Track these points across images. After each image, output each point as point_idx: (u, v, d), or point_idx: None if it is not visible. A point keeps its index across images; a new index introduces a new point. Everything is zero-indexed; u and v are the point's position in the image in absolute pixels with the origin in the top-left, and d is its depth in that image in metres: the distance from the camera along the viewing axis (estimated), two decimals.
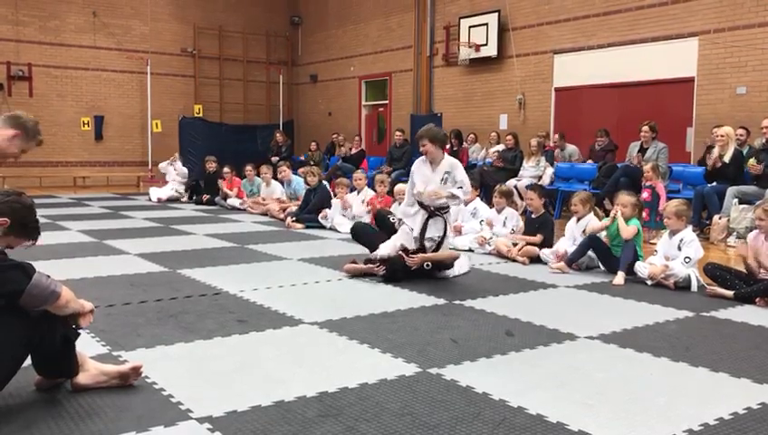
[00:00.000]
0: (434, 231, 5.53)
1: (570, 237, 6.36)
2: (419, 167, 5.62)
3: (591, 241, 5.97)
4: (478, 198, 7.85)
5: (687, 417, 2.77)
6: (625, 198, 5.97)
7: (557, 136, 11.86)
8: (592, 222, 6.23)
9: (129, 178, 17.20)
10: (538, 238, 6.53)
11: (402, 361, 3.43)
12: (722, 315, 4.52)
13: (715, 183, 8.57)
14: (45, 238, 7.63)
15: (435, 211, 5.53)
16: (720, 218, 8.02)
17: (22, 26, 16.24)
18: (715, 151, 8.72)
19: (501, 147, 12.31)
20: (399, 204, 8.07)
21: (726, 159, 8.53)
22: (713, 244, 7.81)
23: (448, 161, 5.57)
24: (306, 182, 9.62)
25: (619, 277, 5.54)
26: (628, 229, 5.76)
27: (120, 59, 17.39)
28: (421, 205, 5.53)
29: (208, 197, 12.10)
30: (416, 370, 3.30)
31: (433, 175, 5.51)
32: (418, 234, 5.52)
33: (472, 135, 13.60)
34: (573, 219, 6.45)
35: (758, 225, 5.15)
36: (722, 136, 8.63)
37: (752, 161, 8.18)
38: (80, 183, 16.70)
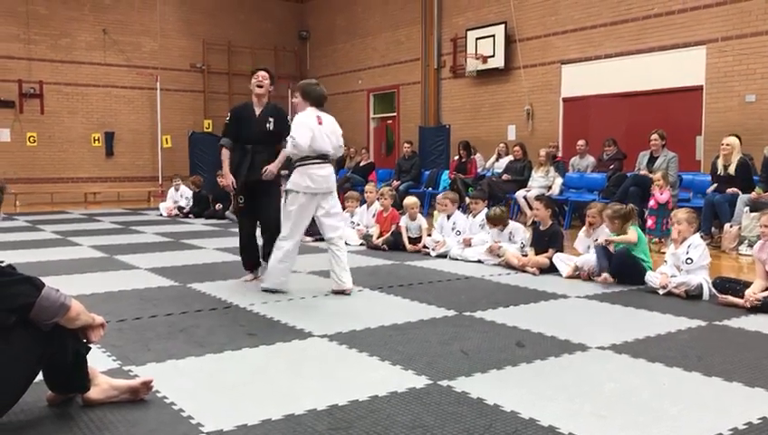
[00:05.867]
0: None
1: (584, 250, 6.35)
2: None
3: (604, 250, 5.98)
4: (486, 209, 7.82)
5: (701, 428, 2.74)
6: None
7: (582, 142, 11.70)
8: (604, 234, 6.22)
9: (140, 193, 17.31)
10: (550, 253, 6.50)
11: (412, 373, 3.42)
12: (735, 324, 4.48)
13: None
14: (57, 254, 7.72)
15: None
16: (731, 227, 7.97)
17: (33, 45, 16.42)
18: (720, 162, 8.68)
19: (509, 158, 12.30)
20: (409, 217, 8.10)
21: (732, 169, 8.49)
22: (724, 252, 7.76)
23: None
24: None
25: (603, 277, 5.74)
26: (625, 238, 5.85)
27: (130, 75, 17.54)
28: None
29: (222, 206, 12.15)
30: (426, 382, 3.28)
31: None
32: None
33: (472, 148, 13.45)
34: (584, 230, 6.42)
35: (763, 232, 5.11)
36: (727, 145, 8.60)
37: (758, 190, 8.09)
38: (91, 199, 16.82)
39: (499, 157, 13.04)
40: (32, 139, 16.30)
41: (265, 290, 5.48)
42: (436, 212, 8.64)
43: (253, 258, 6.09)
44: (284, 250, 5.44)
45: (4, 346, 2.60)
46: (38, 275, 2.69)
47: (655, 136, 9.35)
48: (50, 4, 16.53)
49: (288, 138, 5.40)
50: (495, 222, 7.10)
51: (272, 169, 5.82)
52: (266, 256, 5.95)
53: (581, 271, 6.09)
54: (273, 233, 5.82)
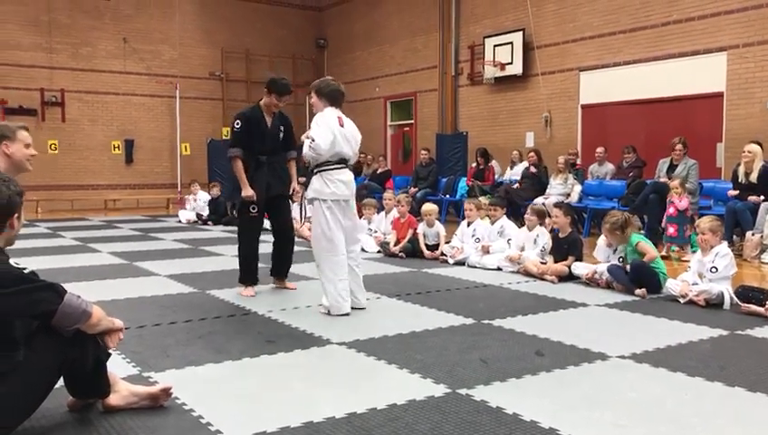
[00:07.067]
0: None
1: (604, 259, 6.32)
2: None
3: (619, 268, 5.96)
4: (505, 217, 7.78)
5: None
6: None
7: (601, 149, 11.64)
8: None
9: (159, 200, 17.44)
10: (570, 261, 6.46)
11: (431, 381, 3.41)
12: (758, 334, 4.42)
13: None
14: (77, 260, 7.79)
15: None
16: (753, 235, 7.87)
17: (55, 53, 16.64)
18: (742, 169, 8.57)
19: (524, 165, 12.26)
20: (427, 224, 8.09)
21: (753, 177, 8.39)
22: (746, 260, 7.66)
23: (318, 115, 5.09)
24: None
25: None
26: (649, 258, 5.83)
27: (150, 83, 17.71)
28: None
29: None
30: (445, 390, 3.27)
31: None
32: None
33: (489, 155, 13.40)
34: (603, 239, 6.39)
35: None
36: (749, 153, 8.50)
37: None
38: (110, 206, 16.97)
39: (513, 164, 13.00)
40: (53, 146, 16.49)
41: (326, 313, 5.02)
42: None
43: (255, 271, 5.79)
44: (332, 268, 5.00)
45: (27, 352, 2.63)
46: (59, 282, 2.71)
47: (679, 145, 9.23)
48: (71, 14, 16.75)
49: (305, 138, 5.04)
50: (540, 214, 7.15)
51: (297, 186, 5.86)
52: (277, 267, 5.95)
53: (600, 279, 6.04)
54: (288, 238, 5.88)
